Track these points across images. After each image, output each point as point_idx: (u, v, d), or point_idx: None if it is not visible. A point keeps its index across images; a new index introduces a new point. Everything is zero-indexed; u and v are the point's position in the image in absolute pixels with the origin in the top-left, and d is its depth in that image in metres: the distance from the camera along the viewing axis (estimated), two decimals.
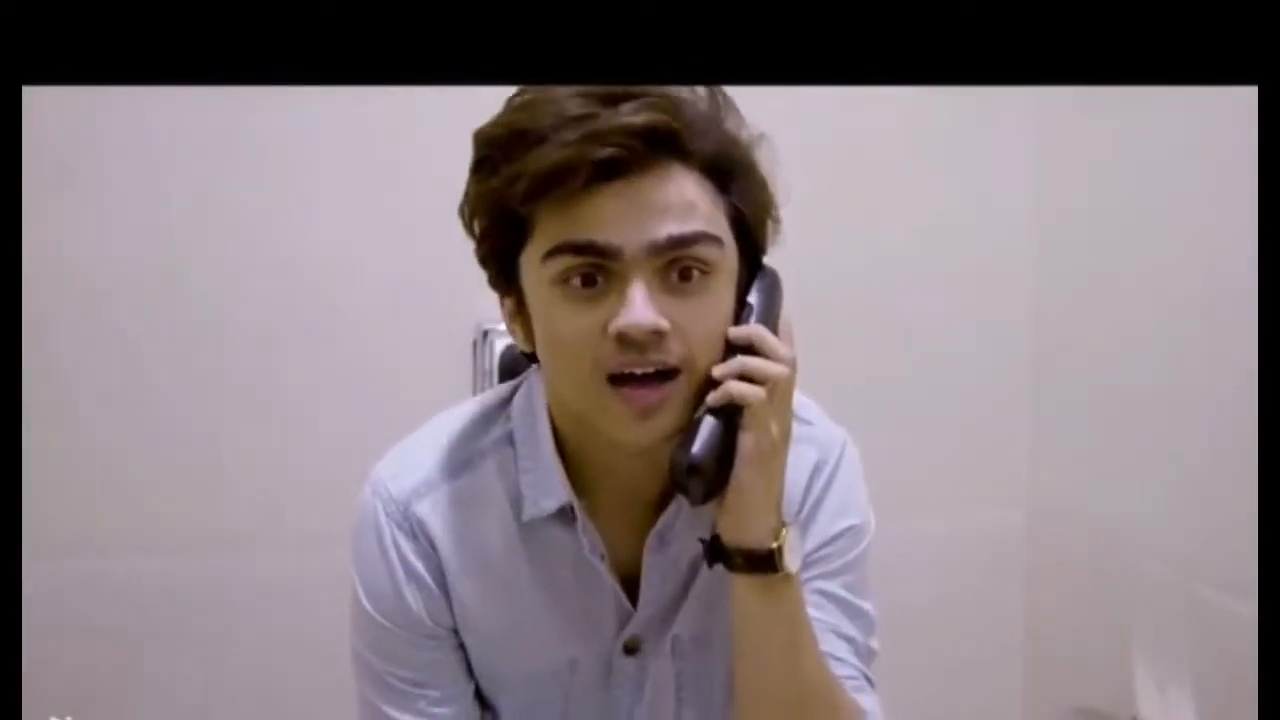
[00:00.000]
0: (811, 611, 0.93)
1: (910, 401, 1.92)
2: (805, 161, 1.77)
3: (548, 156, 0.80)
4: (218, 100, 1.63)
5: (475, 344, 1.75)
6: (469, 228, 0.89)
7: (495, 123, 0.86)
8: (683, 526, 0.95)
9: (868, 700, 0.96)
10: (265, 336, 1.77)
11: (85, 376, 1.74)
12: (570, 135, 0.80)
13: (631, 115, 0.81)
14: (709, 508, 0.89)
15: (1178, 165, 1.58)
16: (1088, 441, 1.83)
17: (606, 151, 0.80)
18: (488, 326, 1.72)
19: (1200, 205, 1.53)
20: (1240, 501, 1.13)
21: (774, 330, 0.88)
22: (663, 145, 0.82)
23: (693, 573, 0.97)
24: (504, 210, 0.84)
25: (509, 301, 0.91)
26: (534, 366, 0.97)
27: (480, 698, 1.01)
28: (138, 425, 1.75)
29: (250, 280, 1.76)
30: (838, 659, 0.95)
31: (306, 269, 1.77)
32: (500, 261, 0.89)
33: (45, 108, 1.44)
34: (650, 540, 0.95)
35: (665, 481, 0.91)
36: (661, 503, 0.95)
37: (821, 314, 1.80)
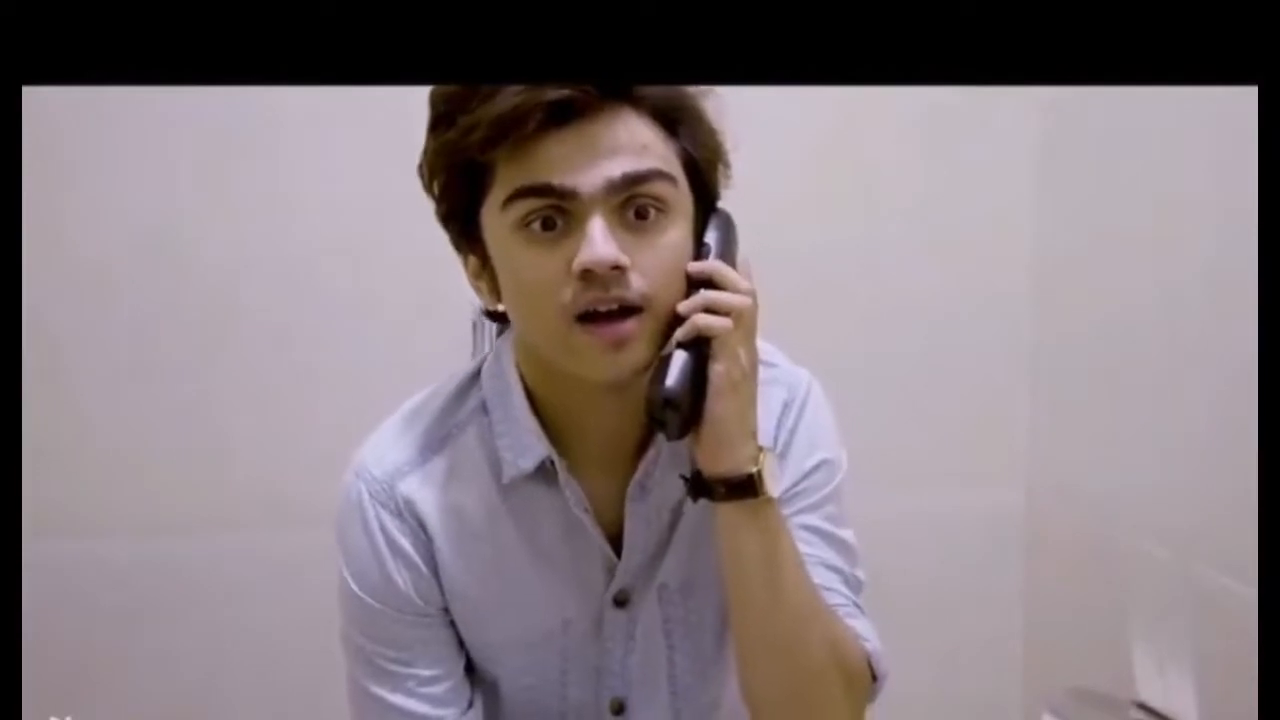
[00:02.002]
0: (799, 546, 0.95)
1: (909, 380, 1.92)
2: (806, 140, 1.79)
3: (502, 103, 0.83)
4: (219, 86, 1.61)
5: (475, 325, 1.74)
6: (428, 188, 0.91)
7: None
8: (661, 473, 0.97)
9: (862, 625, 0.99)
10: (264, 318, 1.78)
11: (87, 358, 1.74)
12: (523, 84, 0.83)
13: None
14: (685, 449, 0.91)
15: (1179, 143, 1.57)
16: (1087, 421, 1.83)
17: (559, 94, 0.82)
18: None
19: (1200, 183, 1.53)
20: (1240, 481, 1.13)
21: (732, 266, 0.90)
22: (614, 89, 0.85)
23: (674, 520, 0.99)
24: (463, 161, 0.87)
25: (472, 260, 0.93)
26: (500, 337, 0.99)
27: (473, 672, 1.02)
28: (139, 407, 1.76)
29: (251, 263, 1.77)
30: (828, 589, 0.98)
31: (305, 252, 1.77)
32: (461, 218, 0.91)
33: (46, 99, 1.42)
34: (631, 489, 0.97)
35: (640, 430, 0.95)
36: (638, 452, 0.97)
37: (821, 293, 1.81)
